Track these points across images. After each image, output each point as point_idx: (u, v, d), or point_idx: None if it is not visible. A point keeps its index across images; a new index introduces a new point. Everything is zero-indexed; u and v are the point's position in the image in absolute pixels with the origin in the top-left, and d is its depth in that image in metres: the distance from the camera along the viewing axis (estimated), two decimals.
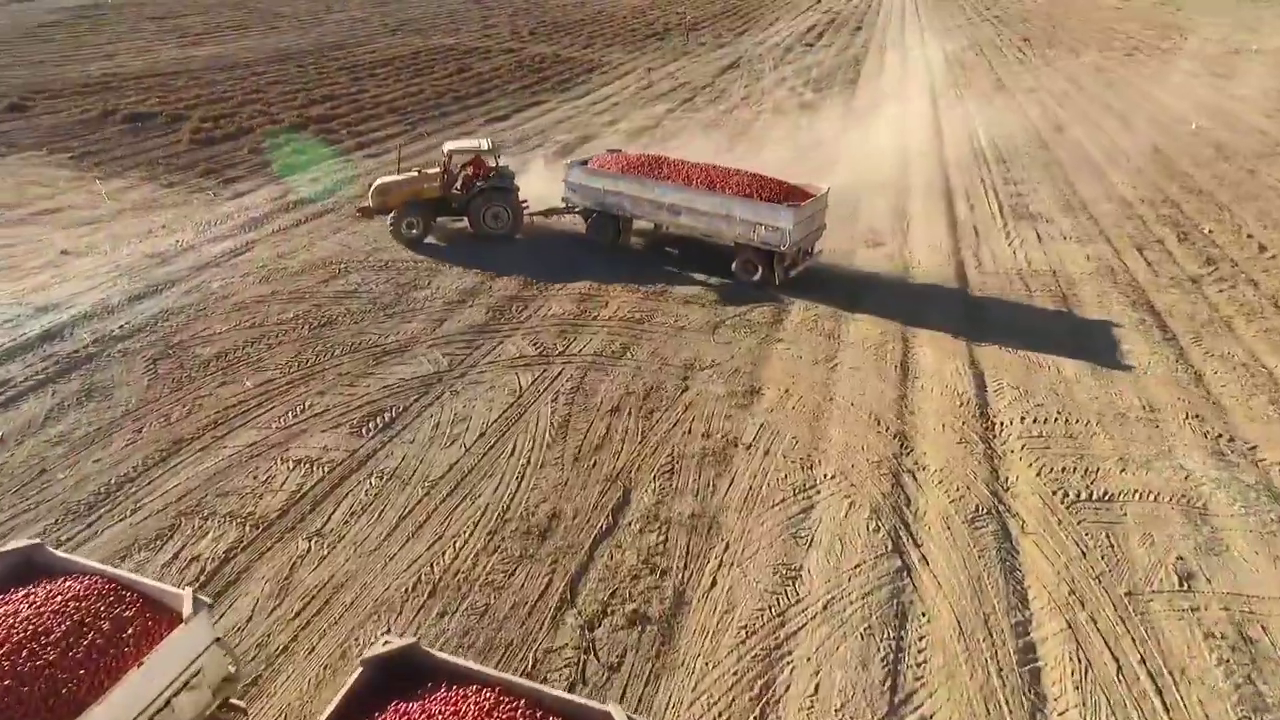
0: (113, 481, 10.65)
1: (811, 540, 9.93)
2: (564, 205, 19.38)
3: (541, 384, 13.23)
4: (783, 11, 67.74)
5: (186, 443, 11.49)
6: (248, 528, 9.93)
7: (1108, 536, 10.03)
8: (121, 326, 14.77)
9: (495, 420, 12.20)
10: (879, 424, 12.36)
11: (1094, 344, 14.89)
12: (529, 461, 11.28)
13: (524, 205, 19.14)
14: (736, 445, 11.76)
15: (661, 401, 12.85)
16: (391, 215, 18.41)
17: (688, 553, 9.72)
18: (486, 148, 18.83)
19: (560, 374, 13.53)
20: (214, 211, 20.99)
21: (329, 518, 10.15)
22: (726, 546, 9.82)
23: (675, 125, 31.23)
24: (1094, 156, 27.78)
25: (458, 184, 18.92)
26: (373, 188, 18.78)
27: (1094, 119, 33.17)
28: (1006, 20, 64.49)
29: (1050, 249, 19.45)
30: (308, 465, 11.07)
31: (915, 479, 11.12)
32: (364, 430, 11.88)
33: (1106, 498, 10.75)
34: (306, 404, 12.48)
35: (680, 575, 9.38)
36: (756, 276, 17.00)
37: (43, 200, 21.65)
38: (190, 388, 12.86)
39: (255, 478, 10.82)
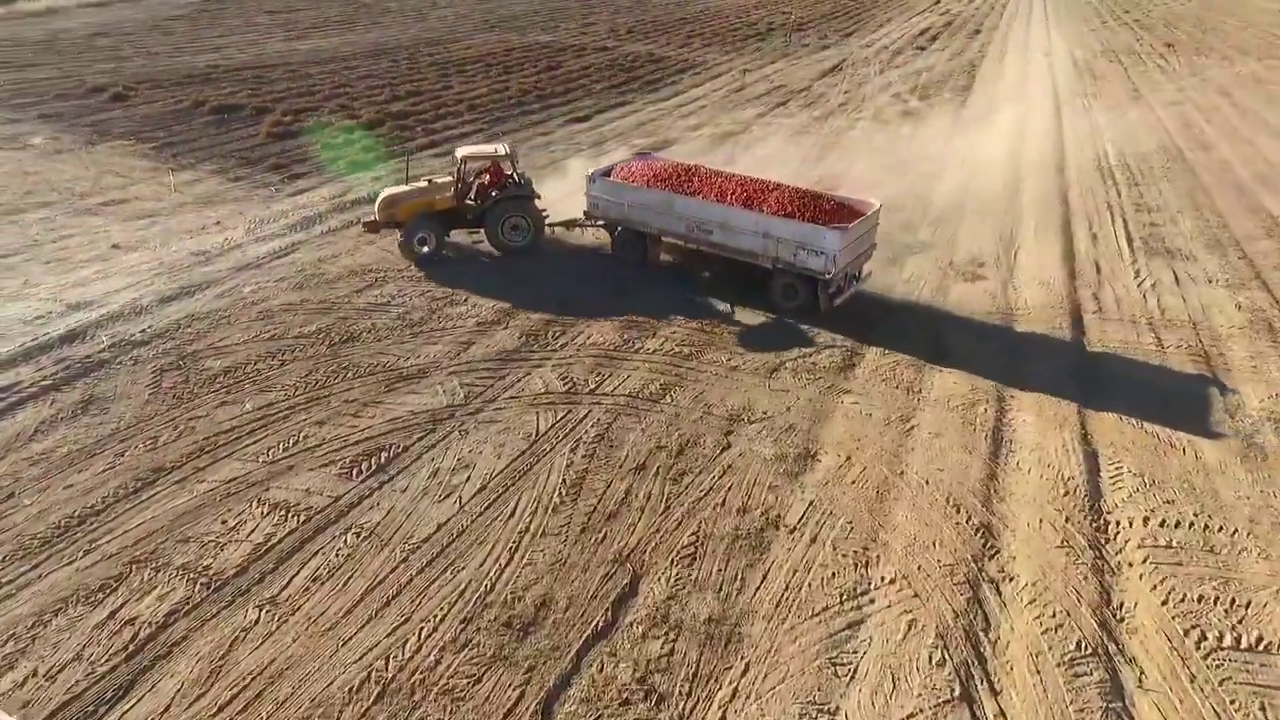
0: (76, 514, 9.68)
1: (855, 671, 7.88)
2: (586, 217, 17.72)
3: (563, 428, 11.59)
4: (896, 13, 63.98)
5: (165, 473, 10.46)
6: (198, 586, 8.71)
7: (1264, 709, 7.53)
8: (143, 331, 14.08)
9: (501, 471, 10.64)
10: (958, 512, 10.10)
11: (1245, 422, 12.06)
12: (528, 528, 9.66)
13: (544, 216, 17.55)
14: (778, 526, 9.78)
15: (696, 461, 10.98)
16: (401, 229, 16.69)
17: (695, 673, 7.85)
18: (503, 153, 17.27)
19: (586, 417, 11.86)
20: (270, 208, 20.44)
21: (289, 581, 8.82)
22: (746, 669, 7.89)
23: (763, 131, 29.09)
24: (1247, 182, 23.94)
25: (471, 193, 17.35)
26: (379, 199, 17.07)
27: (1248, 137, 28.94)
28: (1148, 24, 58.68)
29: (1191, 294, 16.37)
30: (284, 512, 9.81)
31: (999, 594, 8.86)
32: (354, 472, 10.55)
33: (1262, 647, 8.19)
34: (301, 435, 11.28)
35: (681, 705, 7.53)
36: (796, 303, 15.06)
37: (115, 190, 21.68)
38: (188, 406, 11.90)
39: (224, 522, 9.63)
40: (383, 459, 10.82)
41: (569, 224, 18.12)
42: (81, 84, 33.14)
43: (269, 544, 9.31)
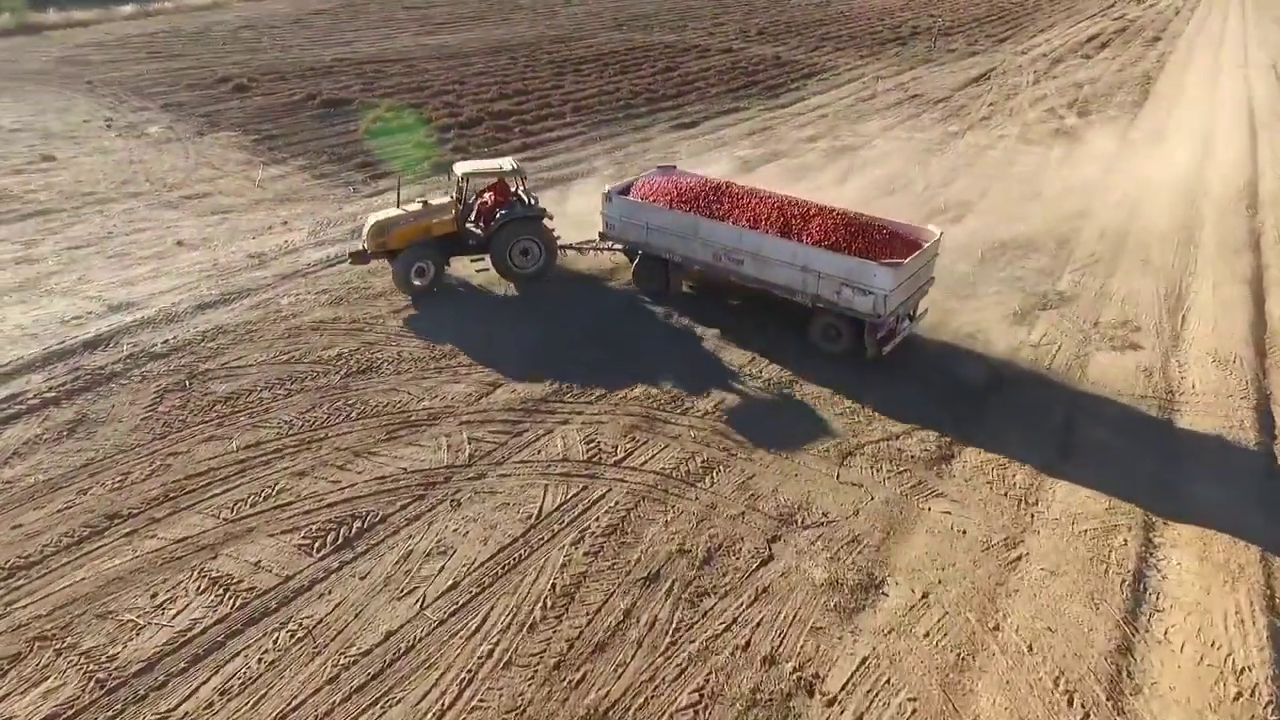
0: (7, 565, 8.60)
1: None
2: (601, 239, 15.68)
3: (572, 510, 9.60)
4: (1061, 17, 57.83)
5: (119, 521, 9.26)
6: (92, 684, 7.33)
7: None
8: (165, 342, 13.23)
9: (483, 564, 8.77)
10: (1070, 703, 7.33)
11: None
12: (492, 653, 7.72)
13: (557, 239, 15.45)
14: (812, 692, 7.38)
15: (725, 576, 8.70)
16: (394, 259, 14.49)
17: None
18: (510, 169, 15.21)
19: (603, 498, 9.80)
20: (341, 210, 19.62)
21: (193, 691, 7.29)
22: None
23: (887, 145, 26.00)
24: None
25: (473, 215, 15.36)
26: (368, 226, 14.61)
27: None
28: None
29: None
30: (222, 590, 8.35)
31: None
32: (317, 546, 8.98)
33: None
34: (277, 488, 9.85)
35: None
36: (838, 348, 12.92)
37: (203, 183, 21.58)
38: (174, 437, 10.77)
39: (154, 595, 8.27)
40: (353, 530, 9.20)
41: (581, 246, 16.17)
42: (212, 75, 34.25)
43: (191, 633, 7.84)
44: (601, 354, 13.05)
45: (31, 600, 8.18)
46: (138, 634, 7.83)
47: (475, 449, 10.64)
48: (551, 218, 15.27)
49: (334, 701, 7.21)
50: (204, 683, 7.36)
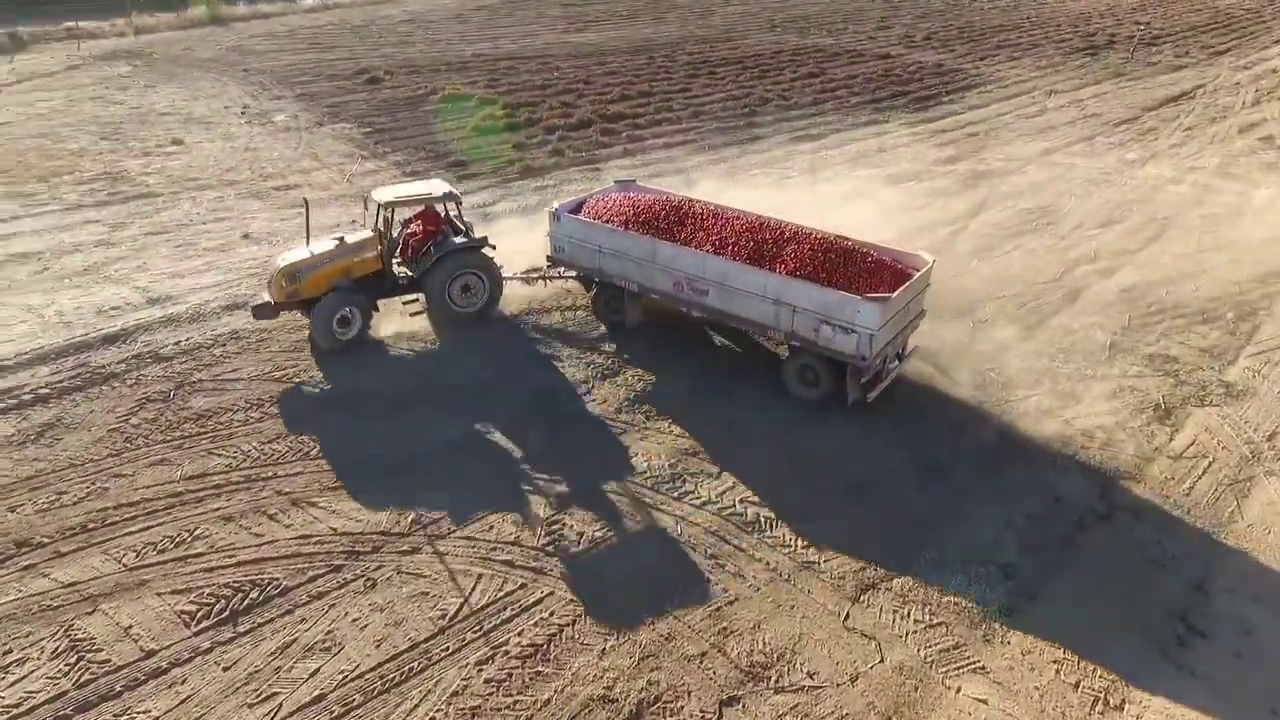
0: None
1: None
2: (549, 266, 13.79)
3: (496, 614, 7.85)
4: None
5: (26, 551, 8.53)
6: None
7: None
8: (176, 344, 12.76)
9: (364, 674, 7.21)
10: None
11: None
12: None
13: (500, 270, 13.45)
14: None
15: None
16: (309, 309, 12.24)
17: None
18: (442, 194, 13.13)
19: (539, 604, 7.98)
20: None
21: None
22: None
23: (1042, 173, 22.22)
24: None
25: (398, 249, 13.44)
26: (276, 271, 12.18)
27: None
28: None
29: None
30: (75, 659, 7.31)
31: None
32: (200, 614, 7.79)
33: None
34: (195, 533, 8.80)
35: None
36: (816, 393, 11.25)
37: (298, 175, 21.70)
38: (128, 456, 10.05)
39: (8, 652, 7.37)
40: (245, 602, 7.94)
41: (529, 276, 14.24)
42: (354, 66, 35.31)
43: (17, 710, 6.83)
44: (621, 400, 11.20)
45: None
46: None
47: (419, 516, 9.13)
48: (494, 247, 13.30)
49: None
50: None
